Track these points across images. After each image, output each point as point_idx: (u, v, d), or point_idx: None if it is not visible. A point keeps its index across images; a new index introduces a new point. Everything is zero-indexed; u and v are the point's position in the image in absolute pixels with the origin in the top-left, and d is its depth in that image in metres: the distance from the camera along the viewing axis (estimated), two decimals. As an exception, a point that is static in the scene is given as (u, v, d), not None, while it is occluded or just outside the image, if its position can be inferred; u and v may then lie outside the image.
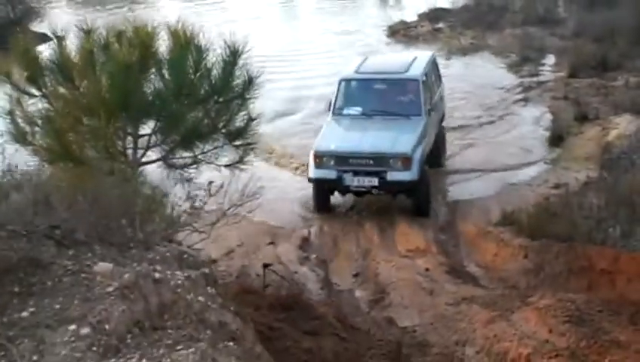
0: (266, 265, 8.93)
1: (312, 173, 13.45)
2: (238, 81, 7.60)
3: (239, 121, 7.88)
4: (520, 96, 20.17)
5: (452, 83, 19.11)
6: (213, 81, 7.41)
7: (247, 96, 7.68)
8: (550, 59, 23.52)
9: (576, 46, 22.86)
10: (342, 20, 32.14)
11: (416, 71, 14.73)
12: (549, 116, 18.41)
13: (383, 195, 13.55)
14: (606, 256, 9.63)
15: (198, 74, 7.28)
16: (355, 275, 11.28)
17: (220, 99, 7.56)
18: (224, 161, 7.92)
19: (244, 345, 3.85)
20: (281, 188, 14.67)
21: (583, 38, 23.68)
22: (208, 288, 4.27)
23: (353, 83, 14.98)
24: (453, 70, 22.15)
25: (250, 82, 7.59)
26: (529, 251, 11.31)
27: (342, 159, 13.20)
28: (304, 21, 34.14)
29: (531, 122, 18.27)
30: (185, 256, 4.48)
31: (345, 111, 14.41)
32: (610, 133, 16.35)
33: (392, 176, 13.05)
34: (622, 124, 16.42)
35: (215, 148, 7.76)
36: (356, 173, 13.16)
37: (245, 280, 7.86)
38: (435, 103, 14.98)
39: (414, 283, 10.43)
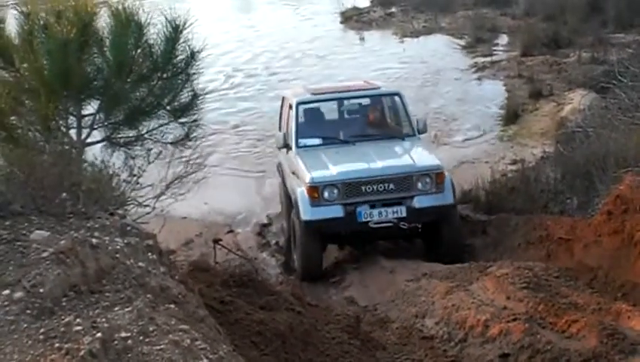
0: (215, 241, 8.83)
1: (308, 214, 10.22)
2: (180, 57, 7.47)
3: (184, 98, 7.75)
4: (475, 76, 20.26)
5: (409, 66, 19.17)
6: (155, 58, 7.28)
7: (191, 72, 7.57)
8: (503, 39, 23.64)
9: (527, 25, 23.06)
10: (295, 9, 31.92)
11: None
12: (504, 94, 18.52)
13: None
14: (563, 225, 9.66)
15: (139, 50, 7.15)
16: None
17: (164, 76, 7.43)
18: (170, 138, 7.83)
19: (186, 308, 3.76)
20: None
21: (534, 16, 23.99)
22: (149, 254, 4.18)
23: (314, 106, 12.09)
24: (409, 53, 22.24)
25: (192, 57, 7.48)
26: (487, 226, 11.34)
27: (352, 188, 10.26)
28: (258, 9, 33.60)
29: (486, 101, 18.36)
30: (128, 227, 4.38)
31: (310, 142, 11.40)
32: (564, 108, 16.49)
33: (421, 201, 10.29)
34: (575, 99, 16.53)
35: (160, 125, 7.65)
36: (373, 205, 10.33)
37: (198, 259, 7.76)
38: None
39: (375, 264, 10.42)
